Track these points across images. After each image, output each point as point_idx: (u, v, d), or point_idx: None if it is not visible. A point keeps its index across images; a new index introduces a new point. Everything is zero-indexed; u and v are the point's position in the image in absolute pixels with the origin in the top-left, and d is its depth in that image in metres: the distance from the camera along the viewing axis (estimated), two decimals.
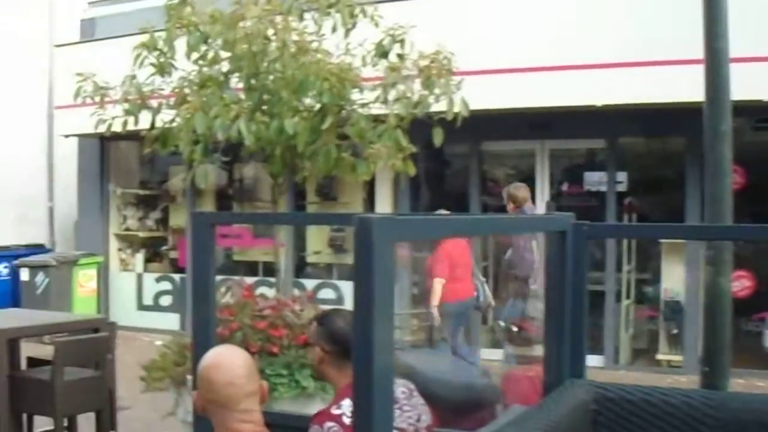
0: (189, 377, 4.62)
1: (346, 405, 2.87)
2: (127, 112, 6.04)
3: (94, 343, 5.91)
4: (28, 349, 6.73)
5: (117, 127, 6.04)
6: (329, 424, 2.84)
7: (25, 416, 6.03)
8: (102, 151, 13.52)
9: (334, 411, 2.88)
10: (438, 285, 8.25)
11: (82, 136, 13.24)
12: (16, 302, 12.60)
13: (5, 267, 13.74)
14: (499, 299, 8.73)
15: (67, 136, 13.29)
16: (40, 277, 12.12)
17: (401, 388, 3.07)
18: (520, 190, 8.19)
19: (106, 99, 6.13)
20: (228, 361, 2.65)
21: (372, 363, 1.82)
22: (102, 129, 6.06)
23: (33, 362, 6.62)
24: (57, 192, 15.57)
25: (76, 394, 5.72)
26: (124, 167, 14.15)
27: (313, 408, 4.85)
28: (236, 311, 5.50)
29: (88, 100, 6.22)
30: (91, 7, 14.02)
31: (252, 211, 11.62)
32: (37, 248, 14.23)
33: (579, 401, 2.68)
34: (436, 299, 8.25)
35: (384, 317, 1.86)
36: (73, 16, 14.19)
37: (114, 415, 6.00)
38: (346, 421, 2.82)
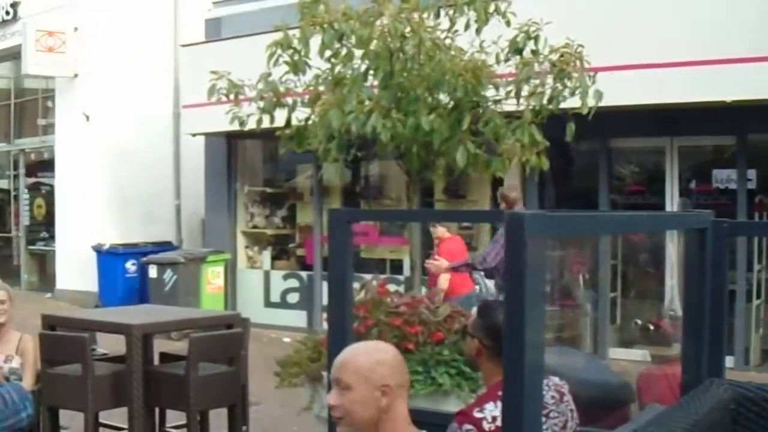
0: (324, 373, 4.76)
1: (489, 409, 2.86)
2: (263, 110, 6.23)
3: (228, 339, 6.11)
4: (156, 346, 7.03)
5: (252, 125, 6.25)
6: (467, 426, 2.84)
7: (157, 410, 6.28)
8: (229, 150, 13.93)
9: (476, 414, 2.88)
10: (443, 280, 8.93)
11: (208, 135, 13.68)
12: (143, 299, 13.17)
13: (133, 264, 14.38)
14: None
15: (194, 135, 13.75)
16: (168, 274, 12.60)
17: (551, 392, 3.05)
18: (512, 191, 8.38)
19: (241, 97, 6.34)
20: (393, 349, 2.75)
21: (523, 360, 1.85)
22: (236, 126, 6.27)
23: (165, 358, 6.91)
24: (184, 190, 16.14)
25: (210, 389, 5.92)
26: (250, 165, 14.57)
27: (448, 405, 4.92)
28: (371, 308, 5.61)
29: (218, 98, 6.44)
30: (216, 6, 14.48)
31: (382, 209, 11.82)
32: (165, 246, 14.82)
33: (719, 401, 2.67)
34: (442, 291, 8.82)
35: (535, 314, 1.90)
36: (198, 16, 14.69)
37: (246, 410, 6.20)
38: (486, 426, 2.82)
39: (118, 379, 5.90)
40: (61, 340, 6.11)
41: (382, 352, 2.68)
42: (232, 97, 6.42)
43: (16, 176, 18.62)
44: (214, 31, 13.99)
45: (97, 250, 14.52)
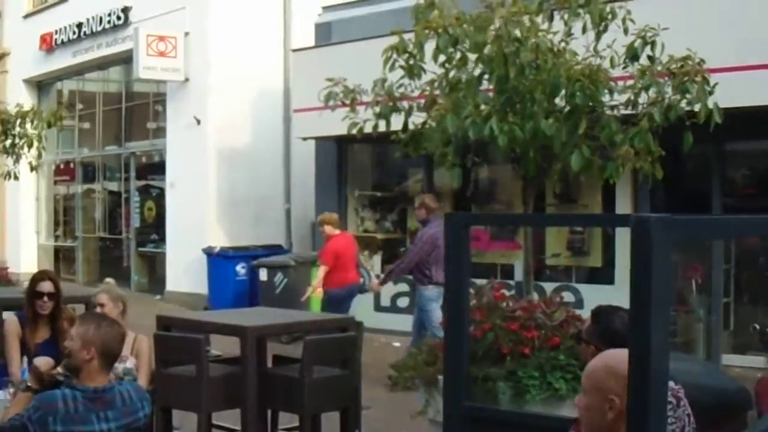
0: (440, 377, 4.86)
1: None
2: (379, 115, 6.36)
3: (342, 342, 6.25)
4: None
5: (368, 130, 6.38)
6: None
7: (269, 412, 6.45)
8: (339, 153, 14.11)
9: None
10: (322, 270, 11.01)
11: (319, 139, 13.90)
12: (253, 302, 13.51)
13: (243, 267, 14.77)
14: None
15: (304, 139, 14.01)
16: (278, 277, 12.88)
17: (668, 397, 2.95)
18: (435, 202, 10.37)
19: (356, 102, 6.48)
20: None
21: (649, 367, 1.88)
22: (352, 131, 6.42)
23: (278, 360, 7.10)
24: (294, 193, 16.47)
25: (324, 392, 6.06)
26: (360, 169, 14.76)
27: (564, 410, 4.95)
28: (487, 312, 5.68)
29: (334, 104, 6.61)
30: (326, 11, 14.71)
31: (497, 213, 11.81)
32: (275, 249, 15.16)
33: None
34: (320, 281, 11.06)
35: (661, 320, 1.93)
36: (308, 21, 14.98)
37: (359, 414, 6.31)
38: None
39: (232, 381, 6.10)
40: (177, 341, 6.36)
41: (623, 364, 2.62)
42: (347, 101, 6.56)
43: (126, 179, 19.35)
44: (324, 35, 14.22)
45: (208, 253, 14.95)
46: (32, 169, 14.89)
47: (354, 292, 11.30)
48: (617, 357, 2.54)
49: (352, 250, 11.35)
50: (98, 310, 5.79)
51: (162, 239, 17.51)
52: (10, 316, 6.27)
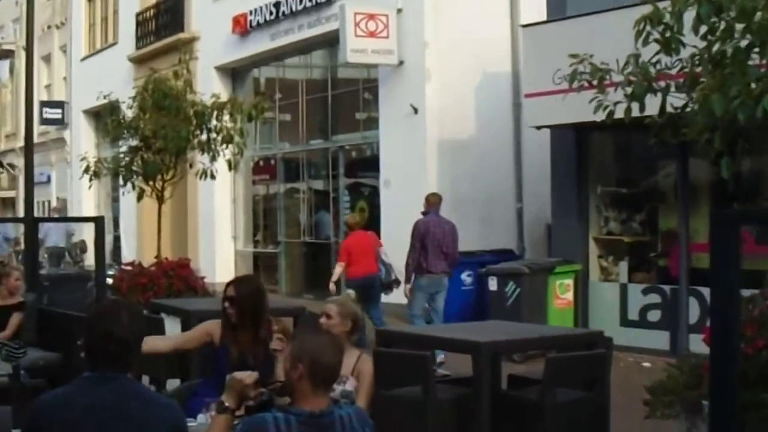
0: (705, 402, 4.89)
1: None
2: (632, 96, 6.38)
3: (589, 360, 6.34)
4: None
5: (619, 114, 6.44)
6: None
7: None
8: (578, 144, 14.05)
9: None
10: (338, 266, 14.16)
11: (555, 127, 13.93)
12: (481, 315, 13.70)
13: (469, 275, 15.06)
14: None
15: (538, 128, 14.06)
16: (510, 286, 13.06)
17: None
18: (434, 196, 13.33)
19: (605, 82, 6.54)
20: None
21: None
22: (602, 117, 6.49)
23: (514, 381, 7.29)
24: (526, 191, 16.64)
25: (567, 418, 6.16)
26: (603, 162, 14.65)
27: None
28: (761, 326, 5.62)
29: (579, 85, 6.68)
30: None
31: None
32: (505, 254, 15.39)
33: None
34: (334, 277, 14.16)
35: None
36: None
37: None
38: None
39: (463, 404, 6.30)
40: (400, 358, 6.64)
41: None
42: (594, 82, 6.62)
43: (334, 176, 20.08)
44: (558, 8, 14.14)
45: None
46: (231, 167, 15.67)
47: (373, 280, 14.03)
48: None
49: (365, 245, 14.23)
50: (323, 321, 6.11)
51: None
52: (215, 321, 6.63)
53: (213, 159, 15.28)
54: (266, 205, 23.28)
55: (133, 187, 15.70)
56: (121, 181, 16.22)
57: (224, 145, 15.30)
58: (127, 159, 15.61)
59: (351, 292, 6.73)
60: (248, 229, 23.46)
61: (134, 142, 15.51)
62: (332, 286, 14.11)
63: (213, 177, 15.41)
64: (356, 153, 19.99)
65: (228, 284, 6.31)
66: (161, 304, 10.23)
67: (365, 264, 14.15)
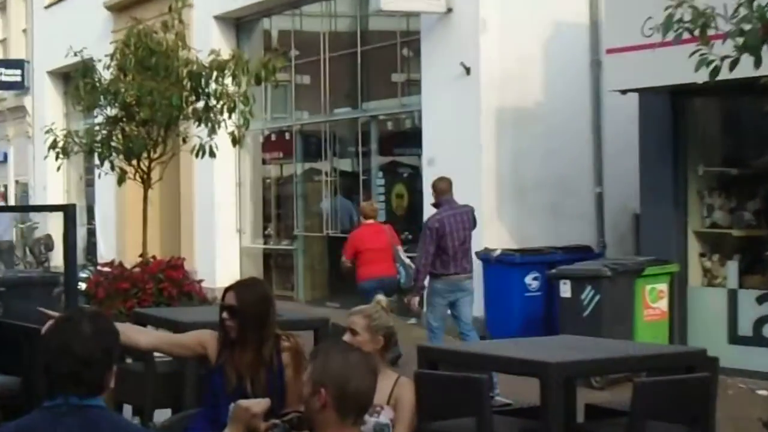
0: None
1: None
2: (743, 49, 6.27)
3: (689, 387, 6.32)
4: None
5: (726, 74, 6.34)
6: None
7: None
8: (674, 113, 13.96)
9: None
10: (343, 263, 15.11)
11: (644, 91, 13.85)
12: (550, 328, 13.80)
13: (535, 278, 15.04)
14: None
15: (623, 92, 14.01)
16: (587, 293, 12.99)
17: None
18: (443, 182, 13.27)
19: (710, 33, 6.45)
20: None
21: None
22: (705, 76, 6.39)
23: (592, 411, 7.27)
24: (607, 172, 16.59)
25: None
26: (705, 135, 14.57)
27: None
28: None
29: (678, 35, 6.58)
30: None
31: None
32: (581, 252, 15.37)
33: None
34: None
35: None
36: None
37: None
38: None
39: None
40: (448, 383, 6.67)
41: None
42: (694, 32, 6.53)
43: (365, 154, 20.13)
44: None
45: (484, 257, 15.27)
46: (235, 142, 15.66)
47: (389, 285, 14.51)
48: None
49: (378, 241, 14.86)
50: (348, 338, 6.11)
51: (417, 238, 17.94)
52: (211, 332, 6.61)
53: (212, 132, 15.31)
54: (279, 190, 23.39)
55: (112, 167, 15.75)
56: (96, 161, 16.27)
57: (226, 115, 15.30)
58: (104, 132, 15.67)
59: (382, 298, 6.67)
60: (257, 221, 23.55)
61: (113, 111, 15.56)
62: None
63: (212, 155, 15.44)
64: (393, 125, 20.03)
65: (227, 290, 6.33)
66: (148, 315, 10.28)
67: (379, 263, 14.64)
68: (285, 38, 22.48)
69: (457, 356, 7.52)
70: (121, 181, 15.83)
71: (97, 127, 15.99)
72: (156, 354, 8.11)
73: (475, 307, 15.31)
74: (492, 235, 15.91)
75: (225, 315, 6.20)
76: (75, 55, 16.31)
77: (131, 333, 6.38)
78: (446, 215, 12.93)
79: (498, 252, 15.31)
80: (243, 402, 4.44)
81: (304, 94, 22.15)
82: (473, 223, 13.26)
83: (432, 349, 8.19)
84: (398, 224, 18.83)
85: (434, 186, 13.40)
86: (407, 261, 14.76)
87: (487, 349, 8.03)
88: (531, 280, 15.09)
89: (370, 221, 15.15)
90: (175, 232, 23.73)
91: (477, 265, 15.29)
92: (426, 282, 13.02)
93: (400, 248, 14.97)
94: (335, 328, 8.38)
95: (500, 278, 15.14)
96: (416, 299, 13.23)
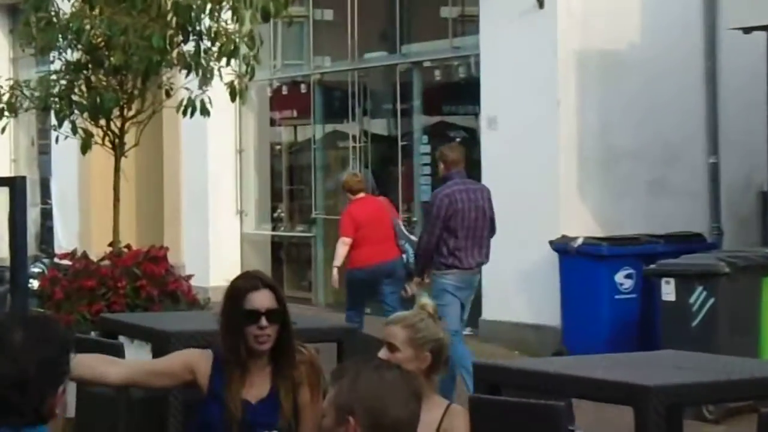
0: None
1: None
2: None
3: None
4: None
5: None
6: None
7: None
8: None
9: None
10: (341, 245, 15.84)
11: None
12: (648, 339, 13.92)
13: (628, 275, 15.13)
14: None
15: (745, 31, 14.01)
16: (698, 294, 13.01)
17: None
18: (454, 151, 14.09)
19: None
20: None
21: None
22: None
23: None
24: (724, 138, 16.61)
25: None
26: None
27: None
28: None
29: None
30: None
31: None
32: (690, 241, 15.46)
33: None
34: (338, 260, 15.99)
35: None
36: None
37: None
38: None
39: None
40: (514, 412, 6.70)
41: None
42: None
43: (405, 112, 20.25)
44: None
45: (561, 248, 15.40)
46: (235, 96, 15.65)
47: (393, 269, 15.51)
48: None
49: (379, 216, 15.86)
50: (384, 354, 6.17)
51: None
52: (204, 350, 6.68)
53: (205, 83, 15.29)
54: (293, 159, 23.63)
55: (74, 129, 15.72)
56: (53, 120, 16.28)
57: (224, 61, 15.31)
58: (63, 83, 15.67)
59: (428, 302, 6.63)
60: (263, 200, 23.78)
61: (75, 56, 15.58)
62: (335, 275, 15.98)
63: (205, 113, 15.40)
64: (441, 74, 20.09)
65: (247, 290, 6.42)
66: (120, 322, 10.33)
67: (381, 244, 15.61)
68: None
69: (526, 377, 7.49)
70: (85, 147, 15.75)
71: (54, 77, 15.96)
72: None
73: (548, 311, 15.40)
74: (571, 218, 16.03)
75: (263, 322, 6.29)
76: None
77: (100, 365, 6.43)
78: (458, 189, 13.46)
79: (579, 241, 15.35)
80: None
81: (325, 33, 22.36)
82: (492, 211, 13.71)
83: (490, 367, 8.18)
84: None
85: (443, 155, 13.95)
86: (412, 237, 15.40)
87: (565, 368, 7.99)
88: (623, 278, 15.20)
89: (361, 195, 16.10)
90: (156, 214, 23.88)
91: (552, 258, 15.39)
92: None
93: (400, 222, 15.68)
94: (366, 341, 8.43)
95: (582, 275, 15.22)
96: (416, 281, 13.85)
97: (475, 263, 13.33)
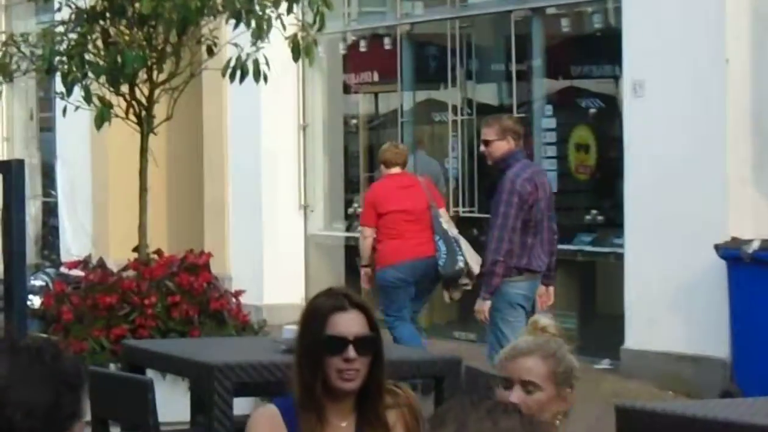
0: None
1: None
2: None
3: None
4: None
5: None
6: None
7: None
8: None
9: None
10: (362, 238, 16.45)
11: None
12: None
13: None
14: None
15: None
16: None
17: None
18: (517, 123, 14.76)
19: None
20: None
21: None
22: None
23: None
24: None
25: None
26: None
27: None
28: None
29: None
30: None
31: None
32: None
33: None
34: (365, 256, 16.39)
35: None
36: None
37: None
38: None
39: None
40: None
41: None
42: None
43: (521, 75, 20.32)
44: None
45: (731, 254, 15.36)
46: (299, 54, 15.77)
47: (426, 270, 15.69)
48: None
49: (410, 199, 16.09)
50: (517, 397, 6.08)
51: (614, 222, 18.26)
52: (263, 409, 6.79)
53: (259, 38, 15.39)
54: (374, 137, 23.63)
55: (87, 98, 15.86)
56: (59, 86, 16.39)
57: (283, 7, 15.39)
58: (73, 37, 15.81)
59: (549, 322, 6.57)
60: (334, 192, 23.99)
61: (89, 1, 15.70)
62: (364, 276, 16.21)
63: (260, 77, 15.54)
64: (570, 25, 20.12)
65: (330, 311, 6.43)
66: (148, 351, 10.41)
67: (410, 237, 15.59)
68: None
69: (683, 426, 7.50)
70: (101, 121, 15.88)
71: (60, 29, 16.12)
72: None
73: (714, 338, 15.42)
74: (743, 218, 16.07)
75: (351, 353, 6.29)
76: None
77: None
78: (534, 171, 14.09)
79: (755, 245, 15.30)
80: None
81: None
82: (553, 202, 14.05)
83: (639, 413, 8.17)
84: (582, 196, 18.98)
85: (503, 127, 14.09)
86: (453, 233, 15.52)
87: (737, 413, 8.00)
88: None
89: (396, 170, 16.45)
90: (195, 209, 24.02)
91: (718, 267, 15.39)
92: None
93: (442, 213, 15.73)
94: (471, 375, 8.46)
95: (758, 288, 15.16)
96: (487, 305, 13.46)
97: (544, 265, 13.43)
